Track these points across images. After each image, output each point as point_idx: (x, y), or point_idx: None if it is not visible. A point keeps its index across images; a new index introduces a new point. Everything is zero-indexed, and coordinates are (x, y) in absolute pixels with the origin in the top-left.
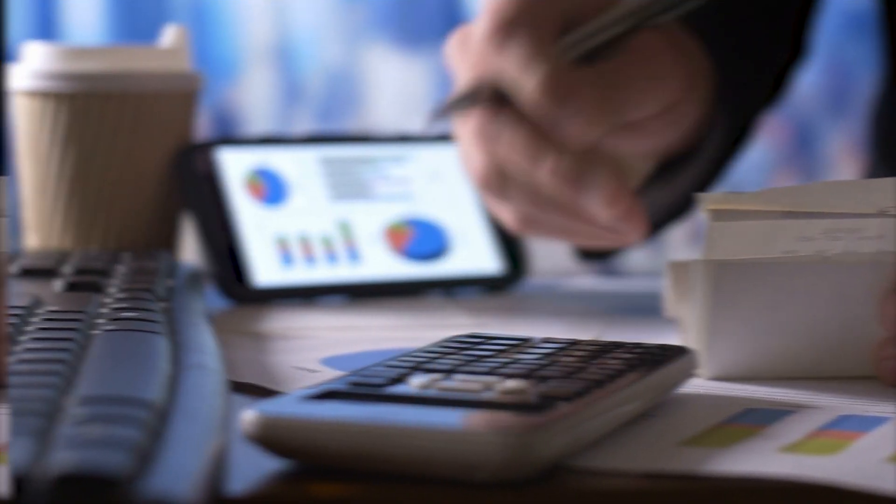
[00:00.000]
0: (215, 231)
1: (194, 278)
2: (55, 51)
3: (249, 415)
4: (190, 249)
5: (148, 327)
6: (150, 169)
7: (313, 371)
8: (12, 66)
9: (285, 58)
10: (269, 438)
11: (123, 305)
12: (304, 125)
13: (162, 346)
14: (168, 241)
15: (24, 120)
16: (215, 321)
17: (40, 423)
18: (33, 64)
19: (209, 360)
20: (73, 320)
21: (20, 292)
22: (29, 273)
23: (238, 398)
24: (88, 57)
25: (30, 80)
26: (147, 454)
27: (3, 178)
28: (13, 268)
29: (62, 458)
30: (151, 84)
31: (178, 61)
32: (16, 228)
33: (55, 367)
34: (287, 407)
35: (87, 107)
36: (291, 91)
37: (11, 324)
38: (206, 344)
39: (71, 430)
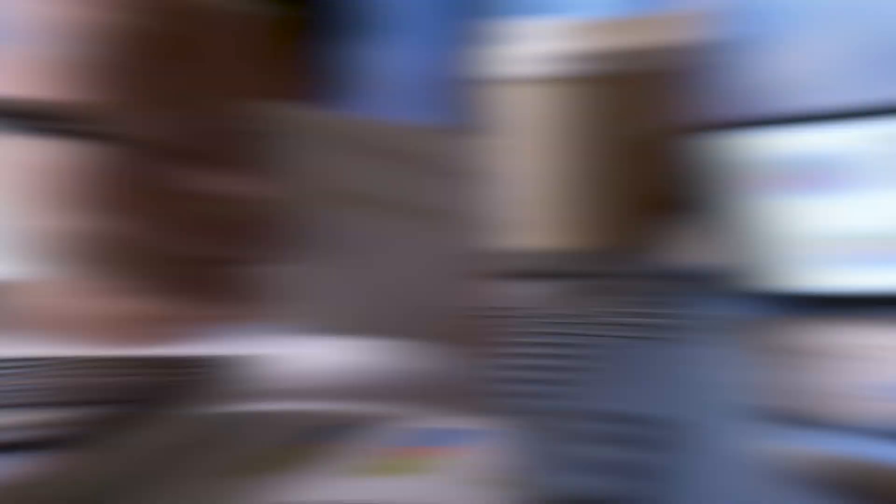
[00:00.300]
0: (749, 229)
1: (717, 283)
2: (568, 28)
3: (804, 450)
4: (705, 251)
5: (660, 337)
6: (659, 158)
7: (870, 399)
8: (504, 48)
9: (849, 14)
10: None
11: (630, 311)
12: (859, 95)
13: (677, 359)
14: (686, 238)
15: (535, 109)
16: (747, 333)
17: (551, 440)
18: (539, 45)
19: (736, 377)
20: (575, 325)
21: (515, 294)
22: (526, 274)
23: (770, 424)
24: (608, 32)
25: (539, 64)
26: (663, 482)
27: (466, 133)
28: (508, 267)
29: (578, 483)
30: (674, 59)
31: (699, 30)
32: (500, 225)
33: (559, 376)
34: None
35: (605, 89)
36: (853, 54)
37: (509, 328)
38: (731, 359)
39: (582, 450)
